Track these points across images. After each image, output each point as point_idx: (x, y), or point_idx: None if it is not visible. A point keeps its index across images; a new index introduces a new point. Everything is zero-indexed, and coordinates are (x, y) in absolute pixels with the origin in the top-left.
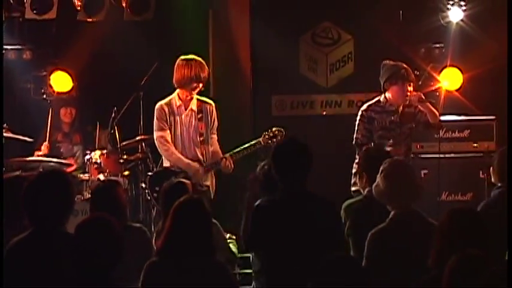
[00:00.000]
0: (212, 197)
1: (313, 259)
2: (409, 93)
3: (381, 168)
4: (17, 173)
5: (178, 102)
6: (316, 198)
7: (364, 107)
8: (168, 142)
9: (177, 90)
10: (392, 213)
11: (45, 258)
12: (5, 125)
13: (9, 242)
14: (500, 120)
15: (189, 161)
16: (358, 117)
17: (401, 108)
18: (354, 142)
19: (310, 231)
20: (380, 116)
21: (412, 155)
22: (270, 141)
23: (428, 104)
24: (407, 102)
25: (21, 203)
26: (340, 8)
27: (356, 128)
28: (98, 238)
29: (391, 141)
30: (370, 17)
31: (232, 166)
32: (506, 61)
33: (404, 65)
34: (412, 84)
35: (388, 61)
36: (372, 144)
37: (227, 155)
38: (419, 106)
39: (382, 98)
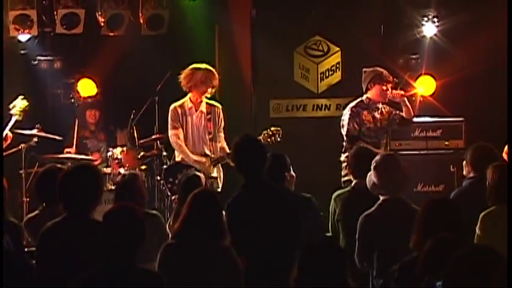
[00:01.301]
0: (220, 187)
1: (277, 245)
2: (389, 92)
3: (373, 162)
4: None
5: (190, 105)
6: (273, 188)
7: (353, 104)
8: (180, 139)
9: (189, 94)
10: (381, 199)
11: (75, 241)
12: (37, 125)
13: (46, 225)
14: (468, 122)
15: (196, 157)
16: (348, 113)
17: (381, 106)
18: (345, 133)
19: (271, 220)
20: (364, 111)
21: (391, 151)
22: (269, 139)
23: (405, 99)
24: (388, 100)
25: (57, 192)
26: (329, 24)
27: (347, 121)
28: (125, 223)
29: (371, 135)
30: (355, 31)
31: None
32: (476, 69)
33: (377, 69)
34: (391, 84)
35: (368, 68)
36: (360, 135)
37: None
38: (399, 100)
39: (364, 98)
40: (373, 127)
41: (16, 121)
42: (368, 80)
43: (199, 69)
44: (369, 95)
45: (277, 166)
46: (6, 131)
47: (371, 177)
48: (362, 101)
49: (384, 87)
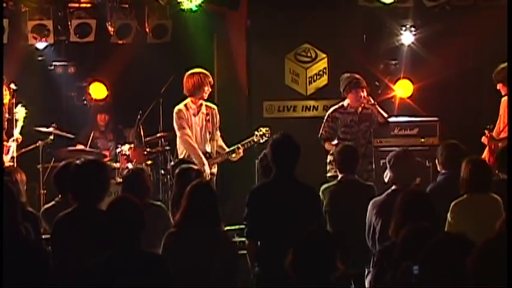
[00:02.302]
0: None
1: (295, 231)
2: (362, 98)
3: (388, 158)
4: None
5: (193, 106)
6: (300, 183)
7: (331, 110)
8: (190, 138)
9: (189, 98)
10: (392, 188)
11: (85, 229)
12: (53, 124)
13: (58, 215)
14: (442, 121)
15: (202, 155)
16: (325, 118)
17: (360, 109)
18: (319, 136)
19: (294, 209)
20: (342, 116)
21: (373, 148)
22: (261, 138)
23: (376, 106)
24: (363, 105)
25: (68, 185)
26: (317, 33)
27: (322, 125)
28: (123, 212)
29: (348, 136)
30: (340, 40)
31: (242, 154)
32: (449, 73)
33: (357, 76)
34: (364, 90)
35: (345, 74)
36: (336, 139)
37: (234, 147)
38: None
39: (345, 102)
40: (349, 130)
41: (22, 127)
42: (343, 87)
43: (193, 74)
44: (347, 100)
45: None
46: (17, 135)
47: (387, 172)
48: (342, 105)
49: (359, 94)
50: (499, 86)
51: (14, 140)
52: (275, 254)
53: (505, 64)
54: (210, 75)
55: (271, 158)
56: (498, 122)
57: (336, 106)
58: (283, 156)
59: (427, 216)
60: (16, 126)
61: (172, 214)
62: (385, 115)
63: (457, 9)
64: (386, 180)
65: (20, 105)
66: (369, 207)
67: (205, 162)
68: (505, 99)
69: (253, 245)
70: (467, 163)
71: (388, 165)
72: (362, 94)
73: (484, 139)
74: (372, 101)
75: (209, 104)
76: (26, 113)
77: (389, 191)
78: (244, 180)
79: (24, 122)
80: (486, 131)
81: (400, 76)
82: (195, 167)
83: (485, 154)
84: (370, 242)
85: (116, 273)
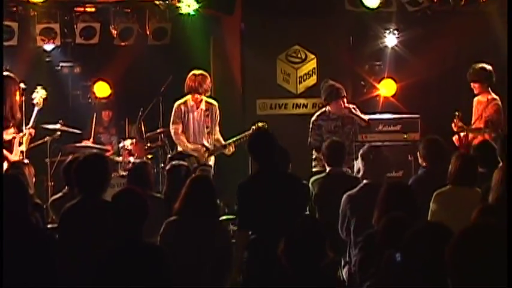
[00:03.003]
0: (212, 174)
1: (283, 219)
2: (343, 107)
3: (360, 152)
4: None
5: (192, 103)
6: (284, 173)
7: (314, 117)
8: (178, 133)
9: (189, 95)
10: (363, 182)
11: (90, 219)
12: (60, 121)
13: (65, 206)
14: (423, 118)
15: (192, 146)
16: (310, 126)
17: (343, 114)
18: (308, 144)
19: (279, 198)
20: (326, 123)
21: (358, 143)
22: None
23: (357, 113)
24: (345, 112)
25: (73, 177)
26: (306, 36)
27: (309, 134)
28: (129, 204)
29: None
30: (328, 42)
31: (234, 150)
32: (430, 74)
33: (338, 85)
34: (344, 98)
35: (325, 81)
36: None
37: (230, 141)
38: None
39: (326, 109)
40: (334, 135)
41: (38, 111)
42: (324, 96)
43: (194, 75)
44: (329, 107)
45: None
46: (30, 127)
47: (358, 164)
48: (324, 112)
49: (339, 104)
50: (472, 85)
51: (29, 128)
52: (264, 241)
53: (478, 65)
54: (208, 77)
55: (251, 156)
56: (473, 120)
57: (319, 113)
58: (260, 151)
59: (408, 206)
60: (33, 113)
61: (166, 206)
62: (366, 118)
63: (437, 14)
64: (357, 173)
65: (39, 87)
66: (343, 200)
67: (195, 151)
68: (477, 98)
69: (244, 235)
70: (457, 157)
71: (359, 160)
72: (342, 103)
73: (453, 126)
74: (352, 110)
75: (210, 100)
76: (44, 95)
77: (362, 184)
78: (240, 172)
79: (42, 104)
80: (455, 119)
81: (384, 76)
82: (186, 163)
83: (456, 139)
84: (345, 233)
85: (118, 261)
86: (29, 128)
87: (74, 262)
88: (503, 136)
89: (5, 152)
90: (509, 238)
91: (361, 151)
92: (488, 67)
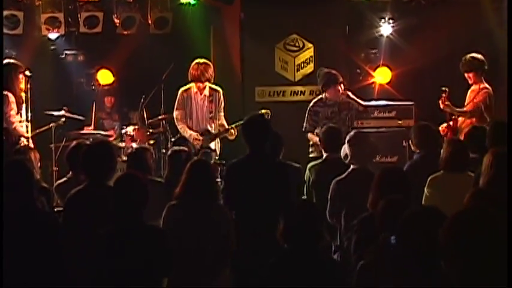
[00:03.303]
0: (217, 157)
1: (267, 203)
2: (340, 93)
3: (347, 138)
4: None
5: (195, 90)
6: (272, 159)
7: (311, 103)
8: (179, 119)
9: (193, 82)
10: (351, 167)
11: (95, 203)
12: (65, 107)
13: (71, 191)
14: (417, 104)
15: (191, 133)
16: (307, 112)
17: (340, 100)
18: (303, 129)
19: (265, 183)
20: (323, 109)
21: (354, 129)
22: None
23: (354, 98)
24: (341, 98)
25: (80, 163)
26: (304, 25)
27: (305, 120)
28: (129, 188)
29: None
30: (325, 31)
31: (236, 133)
32: (424, 61)
33: (334, 72)
34: (342, 84)
35: (321, 69)
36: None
37: (233, 125)
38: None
39: (323, 96)
40: (331, 121)
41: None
42: (322, 83)
43: (197, 64)
44: (326, 94)
45: (276, 141)
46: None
47: (344, 149)
48: (321, 98)
49: (337, 89)
50: (466, 76)
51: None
52: (248, 223)
53: (469, 55)
54: (211, 65)
55: (243, 138)
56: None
57: (316, 99)
58: (252, 135)
59: (403, 190)
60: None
61: (167, 191)
62: (363, 103)
63: (430, 4)
64: (344, 159)
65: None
66: (332, 186)
67: (194, 137)
68: (473, 88)
69: None
70: (448, 144)
71: (346, 146)
72: (340, 89)
73: (440, 102)
74: (350, 94)
75: (214, 86)
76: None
77: (349, 170)
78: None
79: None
80: (443, 95)
81: (380, 64)
82: (186, 148)
83: (443, 127)
84: (334, 219)
85: (120, 243)
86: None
87: (78, 244)
88: (494, 123)
89: (24, 132)
90: (509, 237)
91: (347, 137)
92: (479, 56)
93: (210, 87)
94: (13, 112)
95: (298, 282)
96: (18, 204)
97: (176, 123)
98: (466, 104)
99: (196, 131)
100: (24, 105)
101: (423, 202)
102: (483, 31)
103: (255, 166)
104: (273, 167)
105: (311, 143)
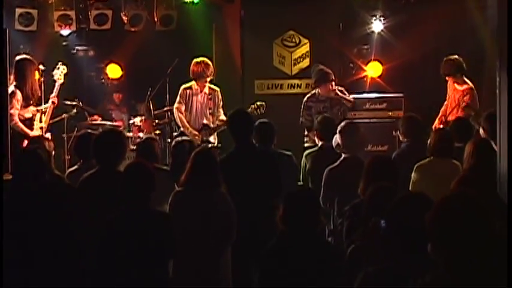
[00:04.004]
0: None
1: (257, 191)
2: (331, 90)
3: (339, 128)
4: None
5: (196, 87)
6: (257, 149)
7: (305, 99)
8: (180, 112)
9: (194, 81)
10: (343, 156)
11: (105, 187)
12: (76, 99)
13: (83, 176)
14: (406, 97)
15: (191, 130)
16: (302, 106)
17: (331, 96)
18: (300, 123)
19: (253, 172)
20: (315, 104)
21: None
22: (255, 111)
23: (341, 95)
24: (333, 94)
25: (91, 150)
26: (300, 22)
27: (301, 114)
28: (138, 174)
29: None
30: (320, 27)
31: None
32: (412, 56)
33: (326, 70)
34: (333, 82)
35: (316, 66)
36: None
37: None
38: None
39: (316, 91)
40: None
41: (60, 85)
42: (314, 80)
43: (197, 63)
44: (318, 89)
45: (266, 130)
46: (54, 96)
47: (336, 139)
48: (314, 94)
49: (328, 87)
50: (447, 79)
51: (52, 97)
52: (243, 211)
53: (447, 59)
54: (211, 64)
55: (229, 133)
56: (450, 107)
57: (309, 95)
58: (237, 129)
59: (390, 176)
60: (54, 87)
61: (172, 178)
62: (351, 99)
63: (419, 2)
64: (336, 148)
65: (59, 63)
66: (325, 173)
67: (193, 133)
68: (456, 87)
69: None
70: (435, 132)
71: (338, 136)
72: (330, 86)
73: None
74: (338, 92)
75: (213, 86)
76: (64, 70)
77: (341, 159)
78: None
79: (63, 78)
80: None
81: (371, 58)
82: (188, 138)
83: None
84: (328, 204)
85: (128, 226)
86: (52, 98)
87: (88, 226)
88: (489, 113)
89: (25, 128)
90: (510, 237)
91: (339, 127)
92: (456, 58)
93: (209, 87)
94: (13, 111)
95: (297, 262)
96: (30, 191)
97: (175, 114)
98: (449, 98)
99: (194, 127)
100: (38, 98)
101: (410, 187)
102: (468, 28)
103: (243, 157)
104: (260, 156)
105: (306, 133)
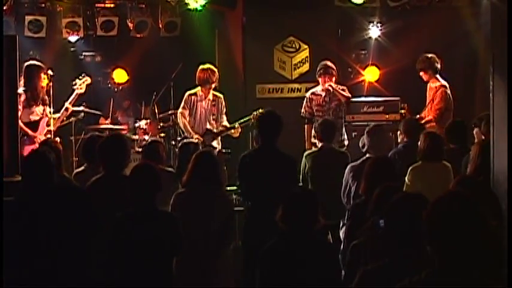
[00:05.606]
0: (217, 154)
1: (276, 191)
2: (325, 83)
3: (366, 129)
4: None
5: (201, 93)
6: (280, 152)
7: (309, 91)
8: (183, 117)
9: (199, 87)
10: (366, 155)
11: (112, 191)
12: (84, 103)
13: (90, 180)
14: (403, 100)
15: (192, 132)
16: (305, 99)
17: (331, 90)
18: (301, 115)
19: (274, 173)
20: (316, 97)
21: (346, 123)
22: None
23: (336, 89)
24: (331, 89)
25: (97, 155)
26: (300, 28)
27: (303, 105)
28: (145, 176)
29: (320, 113)
30: (319, 33)
31: (241, 131)
32: (408, 61)
33: (327, 64)
34: (329, 76)
35: (322, 62)
36: (313, 116)
37: (237, 124)
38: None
39: (319, 86)
40: (322, 108)
41: (79, 95)
42: (316, 72)
43: (203, 70)
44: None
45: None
46: (67, 104)
47: (363, 139)
48: (316, 88)
49: (324, 80)
50: (421, 74)
51: (65, 107)
52: (260, 210)
53: (421, 56)
54: (216, 71)
55: (257, 131)
56: (427, 106)
57: (313, 89)
58: (267, 129)
59: (389, 177)
60: (72, 95)
61: (177, 179)
62: (346, 95)
63: (415, 9)
64: (362, 148)
65: (83, 74)
66: (346, 170)
67: (193, 135)
68: (429, 84)
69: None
70: (425, 136)
71: (365, 136)
72: (327, 79)
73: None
74: (332, 85)
75: (216, 93)
76: (86, 81)
77: (364, 158)
78: (241, 149)
79: (83, 89)
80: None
81: (369, 63)
82: (194, 141)
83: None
84: (345, 199)
85: (135, 226)
86: (67, 105)
87: (95, 229)
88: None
89: (29, 131)
90: (510, 237)
91: (367, 129)
92: (430, 55)
93: (213, 94)
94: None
95: (296, 261)
96: (38, 192)
97: (179, 118)
98: (427, 102)
99: (197, 132)
100: (46, 101)
101: (404, 189)
102: (462, 34)
103: (265, 157)
104: (280, 159)
105: (306, 135)
